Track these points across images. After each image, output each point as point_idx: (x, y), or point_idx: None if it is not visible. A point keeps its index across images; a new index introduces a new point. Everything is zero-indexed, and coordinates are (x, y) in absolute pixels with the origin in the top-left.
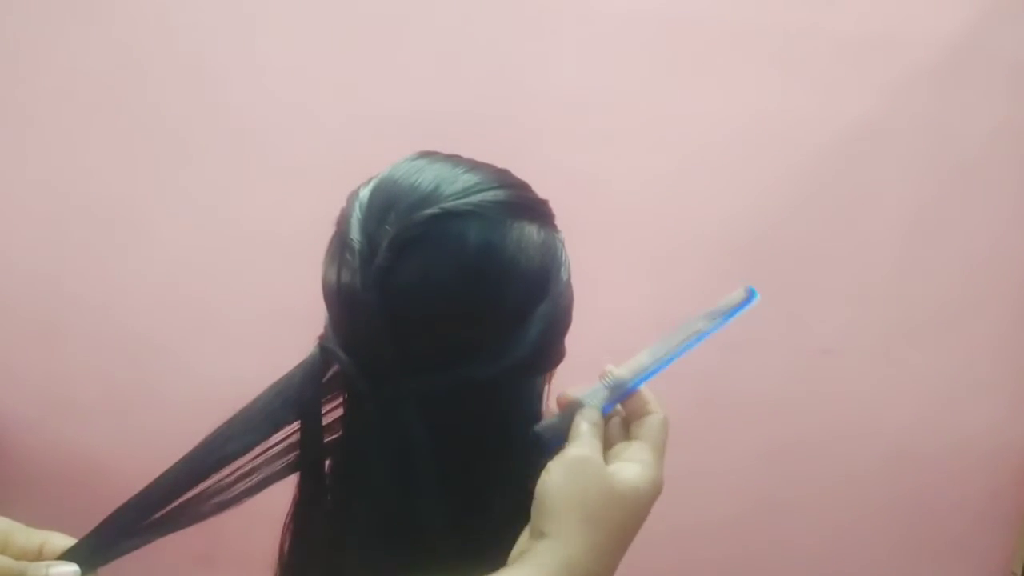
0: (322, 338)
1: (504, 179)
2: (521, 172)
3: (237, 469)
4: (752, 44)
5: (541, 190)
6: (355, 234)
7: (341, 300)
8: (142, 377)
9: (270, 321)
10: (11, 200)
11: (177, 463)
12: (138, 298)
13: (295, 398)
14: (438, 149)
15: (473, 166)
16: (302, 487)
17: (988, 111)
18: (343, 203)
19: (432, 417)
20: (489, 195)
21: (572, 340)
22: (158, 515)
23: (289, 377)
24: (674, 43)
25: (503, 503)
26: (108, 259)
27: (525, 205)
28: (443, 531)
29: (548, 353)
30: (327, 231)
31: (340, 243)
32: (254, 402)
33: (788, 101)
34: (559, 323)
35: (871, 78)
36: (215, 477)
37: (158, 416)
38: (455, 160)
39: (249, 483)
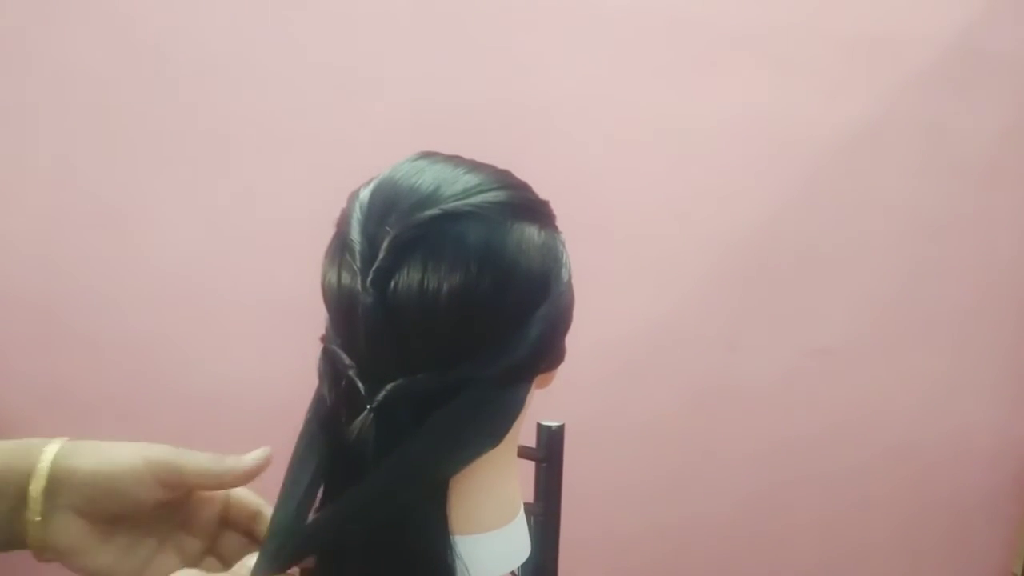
0: (323, 339)
1: (505, 180)
2: (522, 173)
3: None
4: (752, 44)
5: (542, 191)
6: (355, 235)
7: (341, 301)
8: (142, 376)
9: (271, 320)
10: (10, 198)
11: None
12: (138, 297)
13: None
14: (439, 150)
15: (474, 167)
16: (326, 490)
17: (988, 112)
18: (344, 203)
19: (429, 418)
20: (490, 196)
21: (572, 340)
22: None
23: (317, 391)
24: (675, 43)
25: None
26: (109, 257)
27: (526, 206)
28: (440, 532)
29: (548, 353)
30: (328, 231)
31: (340, 244)
32: (301, 437)
33: (789, 101)
34: (559, 324)
35: (872, 78)
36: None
37: (158, 415)
38: (456, 161)
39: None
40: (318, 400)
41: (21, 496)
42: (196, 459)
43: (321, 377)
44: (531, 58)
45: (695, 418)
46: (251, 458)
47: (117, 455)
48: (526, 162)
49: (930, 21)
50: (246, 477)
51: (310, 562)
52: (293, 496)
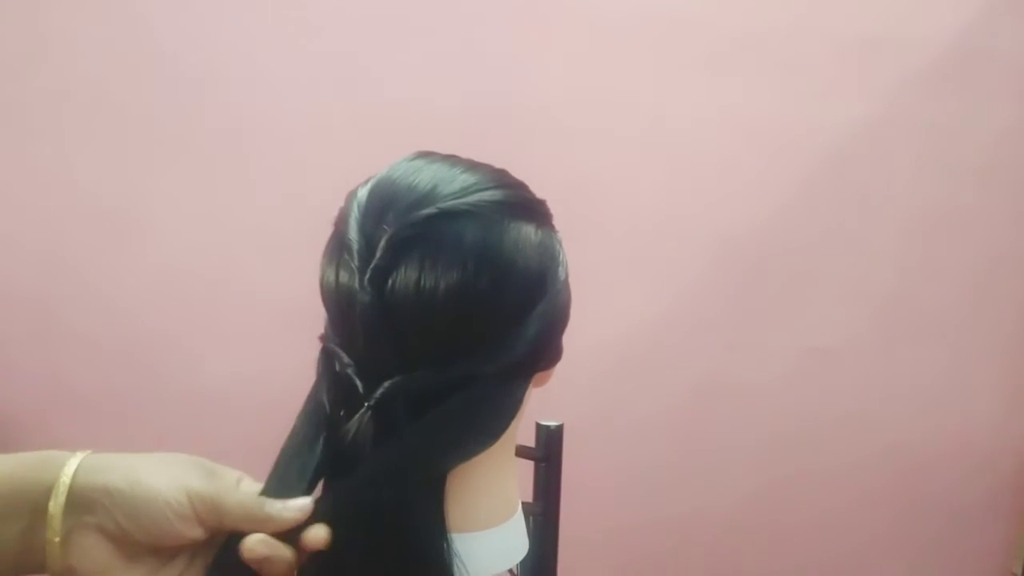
0: (323, 338)
1: (502, 179)
2: (521, 172)
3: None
4: (752, 44)
5: (541, 190)
6: (353, 234)
7: (339, 300)
8: (143, 374)
9: (270, 319)
10: (11, 198)
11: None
12: (139, 295)
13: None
14: (438, 149)
15: (471, 166)
16: (326, 488)
17: (986, 112)
18: (342, 202)
19: (427, 415)
20: (487, 195)
21: (570, 339)
22: None
23: (314, 390)
24: (675, 44)
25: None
26: (109, 256)
27: (523, 205)
28: (437, 529)
29: (545, 352)
30: (326, 230)
31: (338, 243)
32: (295, 433)
33: (788, 101)
34: (557, 322)
35: (871, 78)
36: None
37: (158, 412)
38: (453, 160)
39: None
40: (313, 400)
41: (39, 513)
42: (237, 500)
43: (319, 376)
44: (531, 58)
45: (694, 416)
46: (295, 507)
47: (155, 483)
48: (525, 161)
49: (929, 21)
50: (287, 527)
51: (304, 557)
52: (278, 496)
